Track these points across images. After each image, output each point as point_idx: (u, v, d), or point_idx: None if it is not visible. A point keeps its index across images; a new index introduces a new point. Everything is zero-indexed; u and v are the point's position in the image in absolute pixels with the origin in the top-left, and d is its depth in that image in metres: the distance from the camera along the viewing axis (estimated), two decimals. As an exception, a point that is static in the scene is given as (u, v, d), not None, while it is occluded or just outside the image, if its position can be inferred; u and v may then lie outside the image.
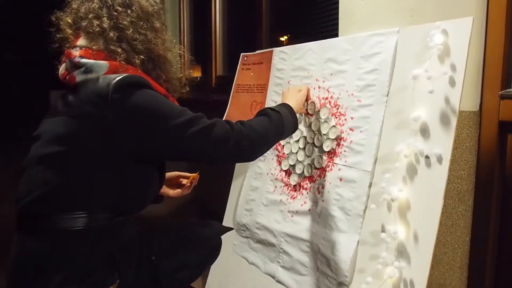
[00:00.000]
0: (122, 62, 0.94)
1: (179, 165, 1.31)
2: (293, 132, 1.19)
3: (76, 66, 0.93)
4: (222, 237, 1.28)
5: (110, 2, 0.98)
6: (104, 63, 0.93)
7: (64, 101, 0.94)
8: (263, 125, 1.07)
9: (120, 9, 0.97)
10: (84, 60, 0.92)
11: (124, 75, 0.90)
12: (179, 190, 1.30)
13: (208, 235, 1.25)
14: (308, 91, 1.32)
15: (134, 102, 0.89)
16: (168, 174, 1.29)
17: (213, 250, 1.26)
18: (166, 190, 1.28)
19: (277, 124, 1.10)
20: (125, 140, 0.89)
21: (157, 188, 1.07)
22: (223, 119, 1.56)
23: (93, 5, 0.97)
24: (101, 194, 0.91)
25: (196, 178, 1.32)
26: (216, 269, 1.60)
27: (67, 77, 0.95)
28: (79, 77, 0.93)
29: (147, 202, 1.04)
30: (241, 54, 1.70)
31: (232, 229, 1.40)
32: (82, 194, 0.90)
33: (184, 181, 1.32)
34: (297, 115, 1.21)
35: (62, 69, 0.98)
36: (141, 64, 0.98)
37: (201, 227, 1.26)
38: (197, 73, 3.15)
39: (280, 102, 1.24)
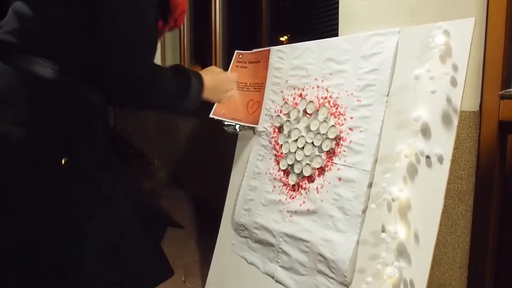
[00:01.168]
0: None
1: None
2: (185, 115, 1.16)
3: None
4: (224, 236, 1.25)
5: None
6: None
7: None
8: (169, 89, 1.05)
9: None
10: None
11: None
12: None
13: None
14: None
15: None
16: None
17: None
18: None
19: (178, 97, 1.09)
20: None
21: None
22: (211, 113, 1.54)
23: None
24: (71, 50, 0.87)
25: None
26: (215, 269, 1.60)
27: None
28: None
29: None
30: (236, 51, 1.67)
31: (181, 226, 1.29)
32: (56, 42, 0.86)
33: None
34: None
35: None
36: None
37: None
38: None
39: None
